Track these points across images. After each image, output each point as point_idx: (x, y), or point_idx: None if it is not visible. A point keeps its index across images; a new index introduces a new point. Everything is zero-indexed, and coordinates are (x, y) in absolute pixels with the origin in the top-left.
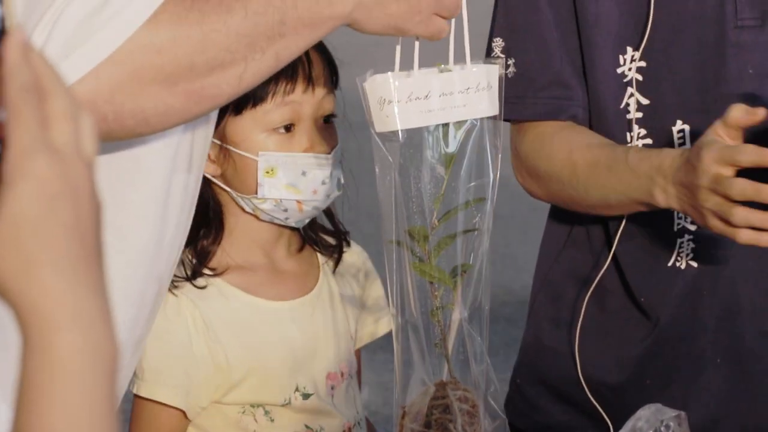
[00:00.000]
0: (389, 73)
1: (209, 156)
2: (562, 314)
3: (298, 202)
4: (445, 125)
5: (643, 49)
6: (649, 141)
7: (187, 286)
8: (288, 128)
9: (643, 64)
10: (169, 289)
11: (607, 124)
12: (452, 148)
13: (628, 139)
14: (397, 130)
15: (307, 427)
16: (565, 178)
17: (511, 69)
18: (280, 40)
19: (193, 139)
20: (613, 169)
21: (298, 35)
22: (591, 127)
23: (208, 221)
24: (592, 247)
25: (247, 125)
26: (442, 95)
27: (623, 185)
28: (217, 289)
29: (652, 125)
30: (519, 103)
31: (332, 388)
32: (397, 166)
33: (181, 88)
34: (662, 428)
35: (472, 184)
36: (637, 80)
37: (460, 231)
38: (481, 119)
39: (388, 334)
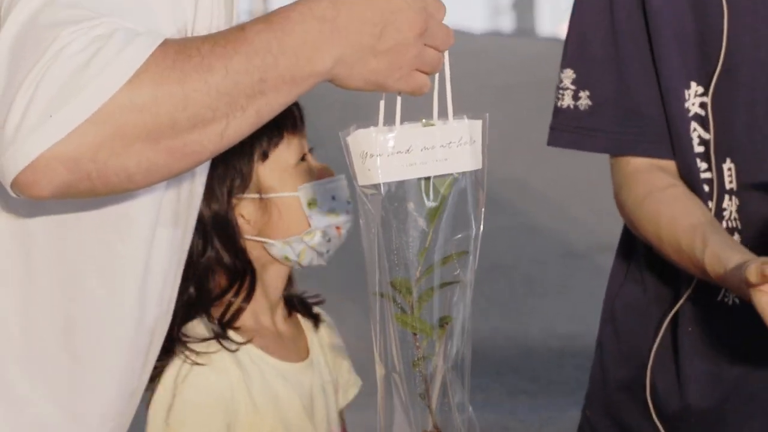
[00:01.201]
0: (372, 127)
1: (243, 216)
2: (624, 348)
3: (338, 227)
4: (428, 179)
5: (707, 85)
6: (709, 175)
7: (220, 352)
8: (303, 158)
9: (706, 99)
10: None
11: (681, 155)
12: (435, 202)
13: (696, 172)
14: (379, 183)
15: None
16: (656, 247)
17: (585, 101)
18: (261, 97)
19: (178, 194)
20: (693, 262)
21: (279, 92)
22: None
23: (233, 282)
24: (645, 283)
25: (276, 168)
26: (423, 149)
27: (704, 276)
28: (245, 350)
29: (713, 161)
30: (594, 137)
31: None
32: (379, 219)
33: (163, 146)
34: None
35: (458, 236)
36: (699, 115)
37: (443, 283)
38: (464, 173)
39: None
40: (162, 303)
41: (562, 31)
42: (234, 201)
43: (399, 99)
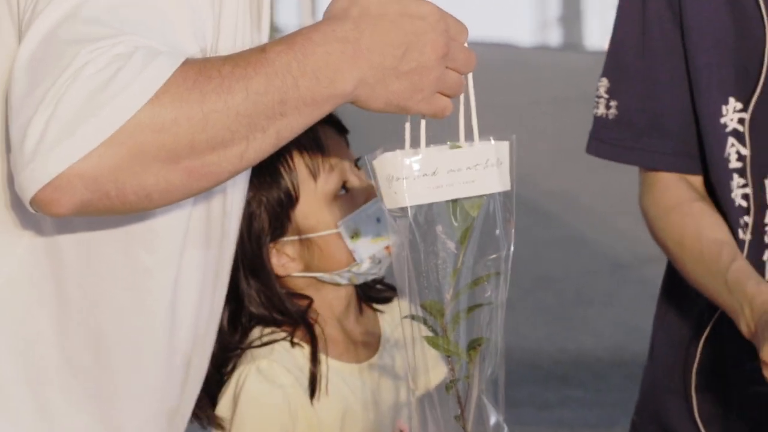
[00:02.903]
0: (398, 150)
1: (287, 255)
2: (675, 355)
3: (387, 248)
4: (456, 202)
5: (748, 101)
6: (748, 191)
7: (275, 352)
8: (345, 188)
9: (744, 115)
10: (258, 356)
11: (714, 170)
12: (465, 224)
13: (731, 187)
14: (406, 207)
15: None
16: (674, 256)
17: (613, 111)
18: (281, 119)
19: (208, 211)
20: (714, 275)
21: (299, 114)
22: (704, 169)
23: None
24: (695, 291)
25: (312, 207)
26: (450, 171)
27: (718, 294)
28: (302, 353)
29: (751, 176)
30: (617, 147)
31: None
32: (407, 242)
33: (182, 166)
34: None
35: (491, 257)
36: (737, 131)
37: (475, 305)
38: (493, 194)
39: None
40: (198, 325)
41: None
42: (272, 246)
43: (423, 122)
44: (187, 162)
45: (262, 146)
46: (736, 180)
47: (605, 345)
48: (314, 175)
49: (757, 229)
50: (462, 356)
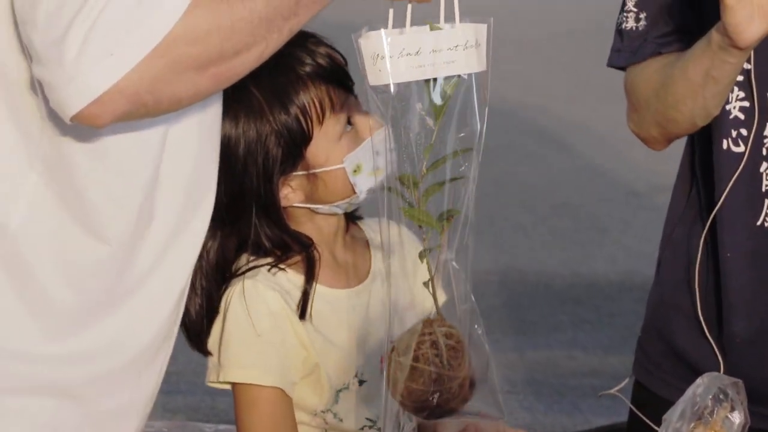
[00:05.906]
0: (382, 29)
1: (290, 186)
2: (683, 272)
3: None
4: (435, 80)
5: None
6: (746, 104)
7: (260, 274)
8: (350, 123)
9: None
10: (245, 277)
11: None
12: (441, 101)
13: (728, 99)
14: (389, 84)
15: (368, 420)
16: (652, 92)
17: (643, 22)
18: (294, 18)
19: None
20: (685, 61)
21: (308, 11)
22: None
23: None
24: (701, 208)
25: (322, 146)
26: (432, 51)
27: (694, 60)
28: (287, 278)
29: (755, 87)
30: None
31: (382, 372)
32: (389, 118)
33: (210, 72)
34: (720, 395)
35: (461, 134)
36: None
37: (448, 179)
38: (469, 74)
39: None
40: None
41: None
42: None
43: (409, 6)
44: (214, 68)
45: (278, 44)
46: (736, 92)
47: (618, 269)
48: (321, 121)
49: (759, 141)
50: (434, 226)
